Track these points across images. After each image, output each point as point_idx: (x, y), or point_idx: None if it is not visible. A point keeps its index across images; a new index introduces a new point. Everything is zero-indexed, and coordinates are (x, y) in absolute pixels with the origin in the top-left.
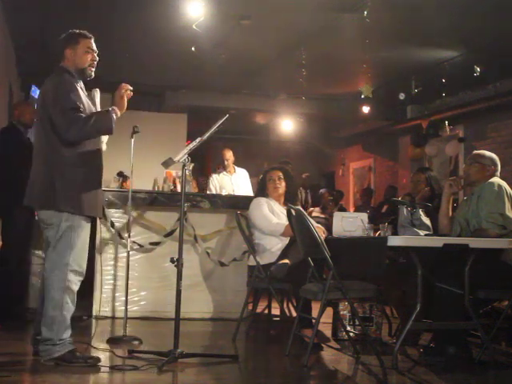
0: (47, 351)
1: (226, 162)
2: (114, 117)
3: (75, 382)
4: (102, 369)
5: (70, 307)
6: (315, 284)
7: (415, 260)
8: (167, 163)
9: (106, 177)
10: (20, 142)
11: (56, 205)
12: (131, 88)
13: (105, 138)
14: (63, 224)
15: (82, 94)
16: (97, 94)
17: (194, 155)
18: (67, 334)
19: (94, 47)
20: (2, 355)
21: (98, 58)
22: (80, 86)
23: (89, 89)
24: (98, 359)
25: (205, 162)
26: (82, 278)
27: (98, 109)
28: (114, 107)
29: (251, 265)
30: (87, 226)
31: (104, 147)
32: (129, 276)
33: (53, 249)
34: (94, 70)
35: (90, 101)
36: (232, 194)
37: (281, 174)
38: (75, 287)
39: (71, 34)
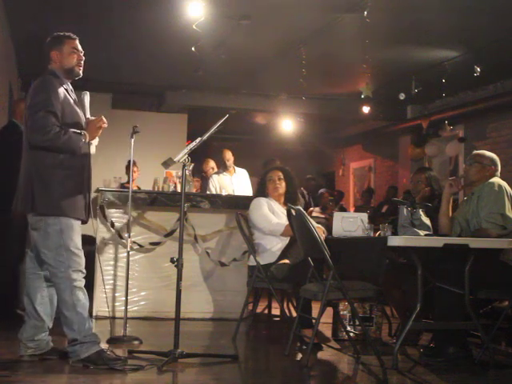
0: (75, 352)
1: (226, 163)
2: (83, 141)
3: (75, 381)
4: (102, 369)
5: (82, 303)
6: (315, 284)
7: (415, 260)
8: (167, 163)
9: (105, 177)
10: (20, 141)
11: (34, 208)
12: (106, 122)
13: (95, 141)
14: (51, 228)
15: (67, 95)
16: (86, 97)
17: (195, 155)
18: (89, 329)
19: (80, 47)
20: (2, 355)
21: (83, 58)
22: (66, 87)
23: (79, 91)
24: (126, 361)
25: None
26: (84, 274)
27: (87, 112)
28: (86, 133)
29: (251, 265)
30: (77, 226)
31: (93, 150)
32: (129, 276)
33: (49, 253)
34: (81, 69)
35: (77, 104)
36: (232, 194)
37: (281, 174)
38: (81, 283)
39: (56, 36)
